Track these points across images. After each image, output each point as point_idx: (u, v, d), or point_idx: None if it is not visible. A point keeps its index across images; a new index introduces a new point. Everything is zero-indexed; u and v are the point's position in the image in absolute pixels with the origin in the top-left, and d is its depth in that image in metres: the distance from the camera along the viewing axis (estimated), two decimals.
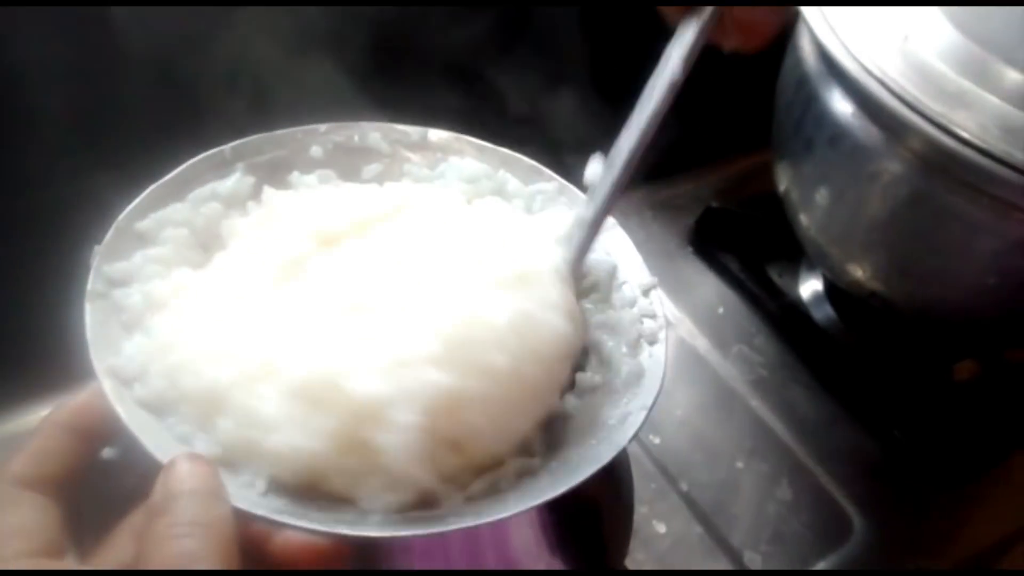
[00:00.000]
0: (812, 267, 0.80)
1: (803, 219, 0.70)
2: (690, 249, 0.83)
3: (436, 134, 0.48)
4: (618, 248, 0.46)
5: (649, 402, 0.39)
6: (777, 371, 0.74)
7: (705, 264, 0.82)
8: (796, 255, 0.79)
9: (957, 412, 0.72)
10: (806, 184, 0.67)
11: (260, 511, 0.33)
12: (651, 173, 0.83)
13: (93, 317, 0.38)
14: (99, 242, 0.41)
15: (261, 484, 0.35)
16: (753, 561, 0.63)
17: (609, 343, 0.43)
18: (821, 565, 0.63)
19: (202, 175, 0.44)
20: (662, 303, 0.44)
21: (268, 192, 0.45)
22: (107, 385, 0.36)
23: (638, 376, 0.41)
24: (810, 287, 0.80)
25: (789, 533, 0.65)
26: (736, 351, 0.75)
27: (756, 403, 0.72)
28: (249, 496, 0.35)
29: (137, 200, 0.42)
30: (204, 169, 0.45)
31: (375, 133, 0.48)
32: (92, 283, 0.39)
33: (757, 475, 0.68)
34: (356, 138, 0.48)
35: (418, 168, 0.48)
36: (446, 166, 0.49)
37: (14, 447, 0.35)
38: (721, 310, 0.79)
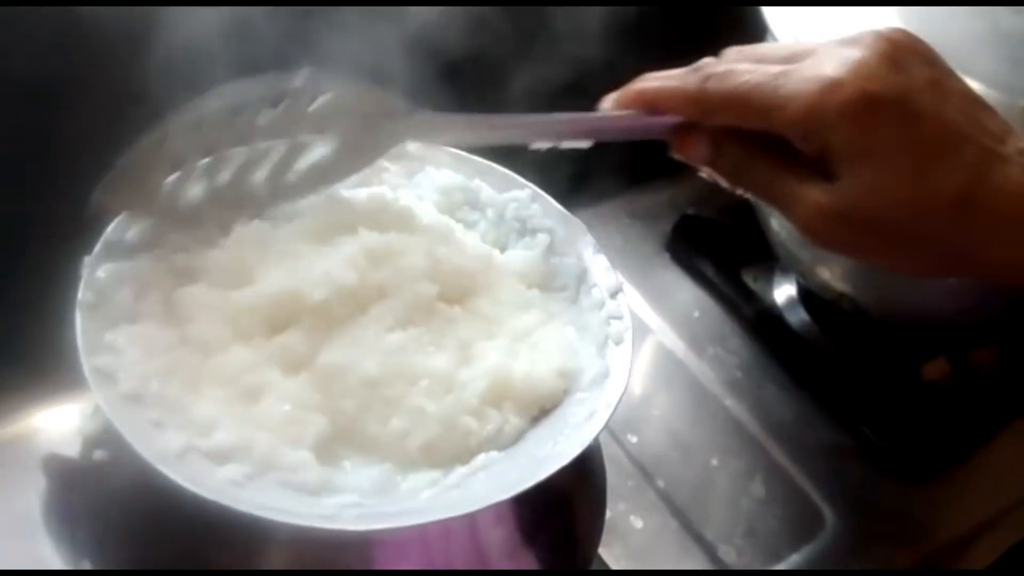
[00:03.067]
0: (786, 272, 0.82)
1: (774, 224, 0.72)
2: (667, 255, 0.84)
3: (414, 144, 0.50)
4: (587, 252, 0.48)
5: (614, 400, 0.41)
6: (751, 372, 0.76)
7: (682, 270, 0.83)
8: (771, 261, 0.81)
9: (925, 410, 0.74)
10: None
11: (242, 507, 0.35)
12: (629, 181, 0.86)
13: (84, 325, 0.40)
14: (89, 253, 0.42)
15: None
16: (728, 555, 0.64)
17: (577, 345, 0.45)
18: (794, 558, 0.65)
19: None
20: (629, 306, 0.46)
21: None
22: (98, 391, 0.38)
23: (604, 375, 0.43)
24: (784, 292, 0.81)
25: (762, 527, 0.66)
26: (711, 353, 0.77)
27: (731, 403, 0.74)
28: (229, 491, 0.37)
29: (124, 214, 0.44)
30: None
31: None
32: (83, 292, 0.41)
33: (731, 472, 0.69)
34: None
35: (395, 177, 0.50)
36: (422, 176, 0.51)
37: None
38: (697, 314, 0.80)
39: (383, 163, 0.50)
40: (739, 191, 0.45)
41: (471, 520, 0.43)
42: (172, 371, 0.40)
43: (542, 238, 0.49)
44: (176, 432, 0.38)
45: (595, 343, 0.45)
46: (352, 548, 0.41)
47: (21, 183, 0.60)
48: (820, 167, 0.40)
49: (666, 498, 0.67)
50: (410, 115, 0.44)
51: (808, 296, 0.80)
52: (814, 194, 0.40)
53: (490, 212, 0.50)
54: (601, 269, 0.47)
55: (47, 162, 0.59)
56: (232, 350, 0.40)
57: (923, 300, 0.67)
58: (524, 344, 0.44)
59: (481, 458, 0.40)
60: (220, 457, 0.38)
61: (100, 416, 0.40)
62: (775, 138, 0.41)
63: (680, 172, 0.75)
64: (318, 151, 0.45)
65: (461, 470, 0.40)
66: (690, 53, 0.45)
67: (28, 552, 0.51)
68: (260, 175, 0.44)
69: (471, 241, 0.49)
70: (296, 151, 0.44)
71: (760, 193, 0.44)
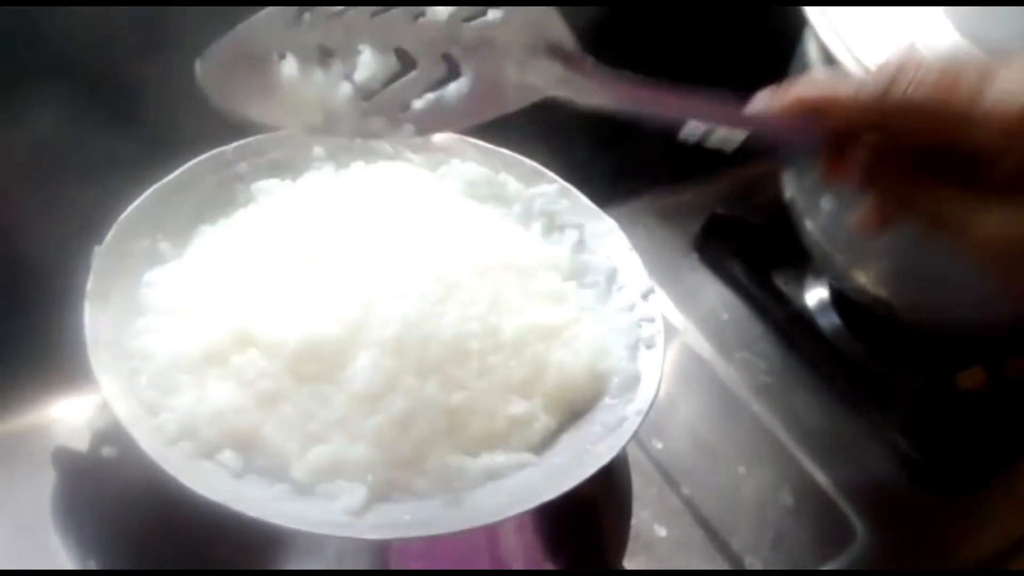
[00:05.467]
0: (818, 275, 0.79)
1: (808, 225, 0.70)
2: (695, 256, 0.82)
3: (439, 135, 0.48)
4: (617, 251, 0.46)
5: (645, 406, 0.40)
6: (780, 377, 0.74)
7: (710, 271, 0.81)
8: (802, 263, 0.79)
9: (961, 420, 0.72)
10: (812, 190, 0.67)
11: (252, 513, 0.34)
12: (656, 179, 0.84)
13: (92, 317, 0.39)
14: (100, 243, 0.41)
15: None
16: (754, 566, 0.63)
17: (607, 347, 0.43)
18: (822, 571, 0.63)
19: (203, 176, 0.45)
20: (660, 308, 0.44)
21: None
22: (105, 385, 0.37)
23: (634, 380, 0.41)
24: (816, 295, 0.79)
25: (790, 538, 0.65)
26: (739, 357, 0.75)
27: (759, 409, 0.72)
28: (239, 495, 0.35)
29: (138, 201, 0.43)
30: (205, 170, 0.45)
31: None
32: (92, 283, 0.40)
33: (759, 480, 0.68)
34: (358, 139, 0.48)
35: (417, 169, 0.49)
36: (447, 168, 0.49)
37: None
38: (725, 316, 0.78)
39: (408, 154, 0.48)
40: (894, 215, 0.41)
41: (492, 528, 0.41)
42: (183, 369, 0.39)
43: (570, 234, 0.47)
44: (179, 427, 0.37)
45: (626, 346, 0.43)
46: (369, 550, 0.39)
47: (33, 171, 0.58)
48: (1001, 188, 0.36)
49: (691, 506, 0.65)
50: (580, 62, 0.38)
51: (840, 300, 0.77)
52: (997, 221, 0.36)
53: (517, 207, 0.48)
54: (632, 269, 0.46)
55: (60, 151, 0.57)
56: (248, 353, 0.39)
57: (960, 307, 0.65)
58: (556, 339, 0.42)
59: (511, 459, 0.38)
60: (233, 453, 0.37)
61: (109, 411, 0.38)
62: (943, 155, 0.37)
63: (709, 171, 0.73)
64: (452, 86, 0.38)
65: (485, 458, 0.38)
66: (730, 50, 0.43)
67: (37, 547, 0.50)
68: (384, 95, 0.38)
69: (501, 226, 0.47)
70: (426, 74, 0.38)
71: (925, 217, 0.39)
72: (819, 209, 0.67)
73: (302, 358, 0.39)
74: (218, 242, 0.44)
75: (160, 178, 0.44)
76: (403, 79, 0.38)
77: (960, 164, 0.36)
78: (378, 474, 0.37)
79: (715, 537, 0.64)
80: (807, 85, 0.40)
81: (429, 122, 0.38)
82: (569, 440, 0.40)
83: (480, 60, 0.37)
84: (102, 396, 0.37)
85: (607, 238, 0.47)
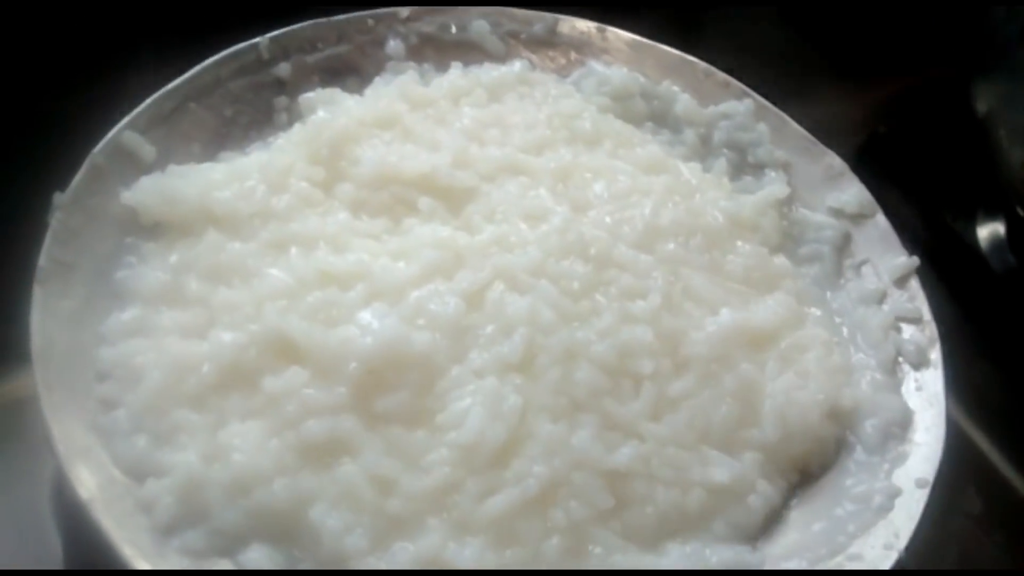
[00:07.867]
0: (992, 210, 0.67)
1: (1016, 152, 0.57)
2: None
3: (571, 25, 0.35)
4: (851, 205, 0.32)
5: (930, 472, 0.26)
6: (958, 343, 0.60)
7: None
8: (970, 194, 0.67)
9: None
10: None
11: None
12: (806, 84, 0.71)
13: (44, 309, 0.25)
14: (62, 188, 0.27)
15: None
16: None
17: (851, 366, 0.28)
18: None
19: (225, 83, 0.30)
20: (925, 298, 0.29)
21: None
22: (55, 428, 0.23)
23: (902, 422, 0.27)
24: (990, 232, 0.67)
25: (979, 556, 0.54)
26: None
27: None
28: None
29: (124, 121, 0.28)
30: (228, 73, 0.31)
31: (481, 21, 0.34)
32: (47, 253, 0.26)
33: (936, 479, 0.55)
34: (453, 28, 0.35)
35: (542, 75, 0.34)
36: (583, 73, 0.35)
37: None
38: None
39: (525, 53, 0.33)
40: None
41: None
42: (185, 399, 0.25)
43: (774, 178, 0.33)
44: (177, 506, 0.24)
45: (879, 363, 0.28)
46: None
47: None
48: None
49: None
50: None
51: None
52: None
53: (690, 133, 0.34)
54: (876, 235, 0.31)
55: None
56: (289, 372, 0.25)
57: None
58: (770, 353, 0.27)
59: (716, 556, 0.25)
60: (265, 549, 0.23)
61: None
62: None
63: (871, 77, 0.61)
64: None
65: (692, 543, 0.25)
66: None
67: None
68: None
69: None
70: None
71: None
72: None
73: (375, 384, 0.26)
74: (247, 185, 0.31)
75: (160, 85, 0.29)
76: None
77: None
78: None
79: None
80: None
81: None
82: (803, 523, 0.26)
83: None
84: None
85: (833, 184, 0.33)
